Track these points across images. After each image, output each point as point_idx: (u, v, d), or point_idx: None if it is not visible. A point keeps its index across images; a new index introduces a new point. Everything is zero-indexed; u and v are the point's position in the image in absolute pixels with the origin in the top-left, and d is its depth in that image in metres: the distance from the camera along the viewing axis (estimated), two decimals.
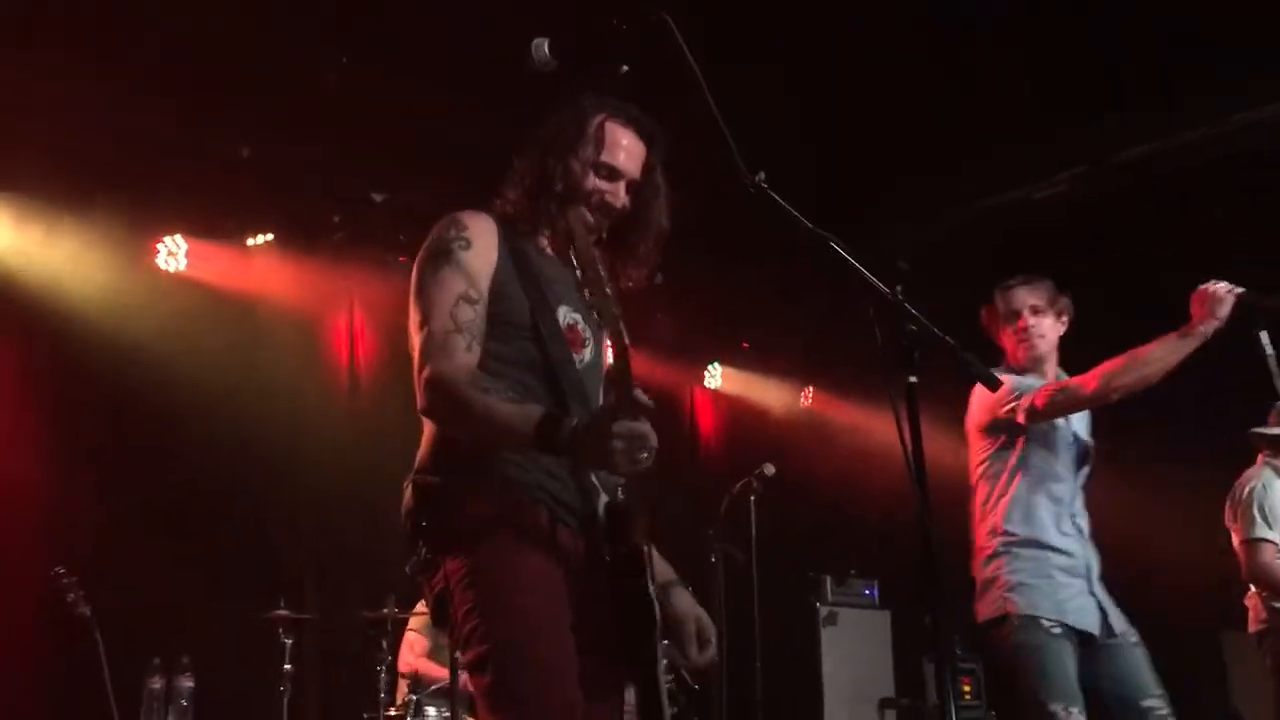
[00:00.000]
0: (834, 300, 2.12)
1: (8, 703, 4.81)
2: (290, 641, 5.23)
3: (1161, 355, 3.46)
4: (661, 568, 2.59)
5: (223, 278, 6.35)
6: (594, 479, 2.45)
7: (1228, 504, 5.01)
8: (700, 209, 2.65)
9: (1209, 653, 7.16)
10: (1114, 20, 5.25)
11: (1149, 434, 6.08)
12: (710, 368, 8.63)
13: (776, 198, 2.13)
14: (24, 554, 5.16)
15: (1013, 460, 3.69)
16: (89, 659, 4.64)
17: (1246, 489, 4.92)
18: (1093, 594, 3.60)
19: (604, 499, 2.46)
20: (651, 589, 2.36)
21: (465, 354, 2.34)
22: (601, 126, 2.50)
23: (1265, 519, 4.82)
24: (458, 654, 4.90)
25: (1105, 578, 3.65)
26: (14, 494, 5.26)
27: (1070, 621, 3.52)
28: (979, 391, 3.74)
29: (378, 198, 6.39)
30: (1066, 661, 3.48)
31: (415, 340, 2.39)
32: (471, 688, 2.38)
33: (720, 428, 8.75)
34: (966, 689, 7.23)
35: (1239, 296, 3.45)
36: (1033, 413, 3.56)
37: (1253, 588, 4.94)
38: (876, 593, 7.68)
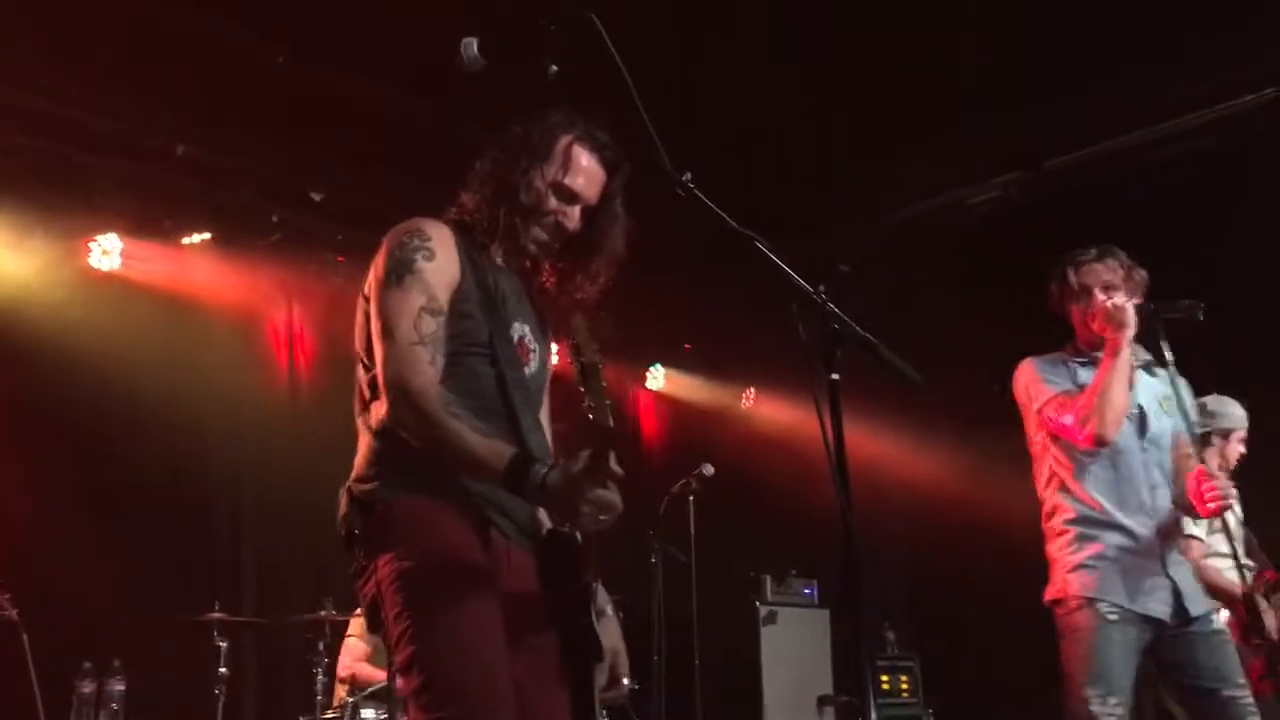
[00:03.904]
0: (773, 302, 2.15)
1: None
2: (225, 644, 5.18)
3: (1114, 382, 3.47)
4: (599, 596, 2.63)
5: (158, 277, 6.27)
6: None
7: None
8: (640, 210, 2.68)
9: None
10: (1050, 24, 5.33)
11: None
12: (652, 369, 8.67)
13: (703, 198, 2.16)
14: None
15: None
16: (16, 662, 4.56)
17: None
18: (1166, 575, 3.47)
19: (547, 521, 2.51)
20: (596, 625, 2.44)
21: (430, 367, 2.36)
22: (569, 148, 2.54)
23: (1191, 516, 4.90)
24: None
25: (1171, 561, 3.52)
26: None
27: (1134, 606, 3.42)
28: (1020, 368, 3.73)
29: (316, 197, 6.35)
30: (1117, 648, 3.39)
31: (378, 348, 2.39)
32: (404, 693, 2.39)
33: (662, 429, 8.78)
34: (905, 685, 7.32)
35: (1139, 306, 3.54)
36: (1049, 427, 3.59)
37: None
38: (816, 592, 7.74)
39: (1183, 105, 5.92)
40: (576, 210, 2.57)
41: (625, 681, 2.61)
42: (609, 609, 2.67)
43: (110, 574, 5.35)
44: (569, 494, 2.19)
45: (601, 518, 2.22)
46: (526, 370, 2.56)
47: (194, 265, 6.36)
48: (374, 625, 2.44)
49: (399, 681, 2.39)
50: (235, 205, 6.33)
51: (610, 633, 2.60)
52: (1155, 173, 6.05)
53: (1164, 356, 3.55)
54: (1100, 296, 3.59)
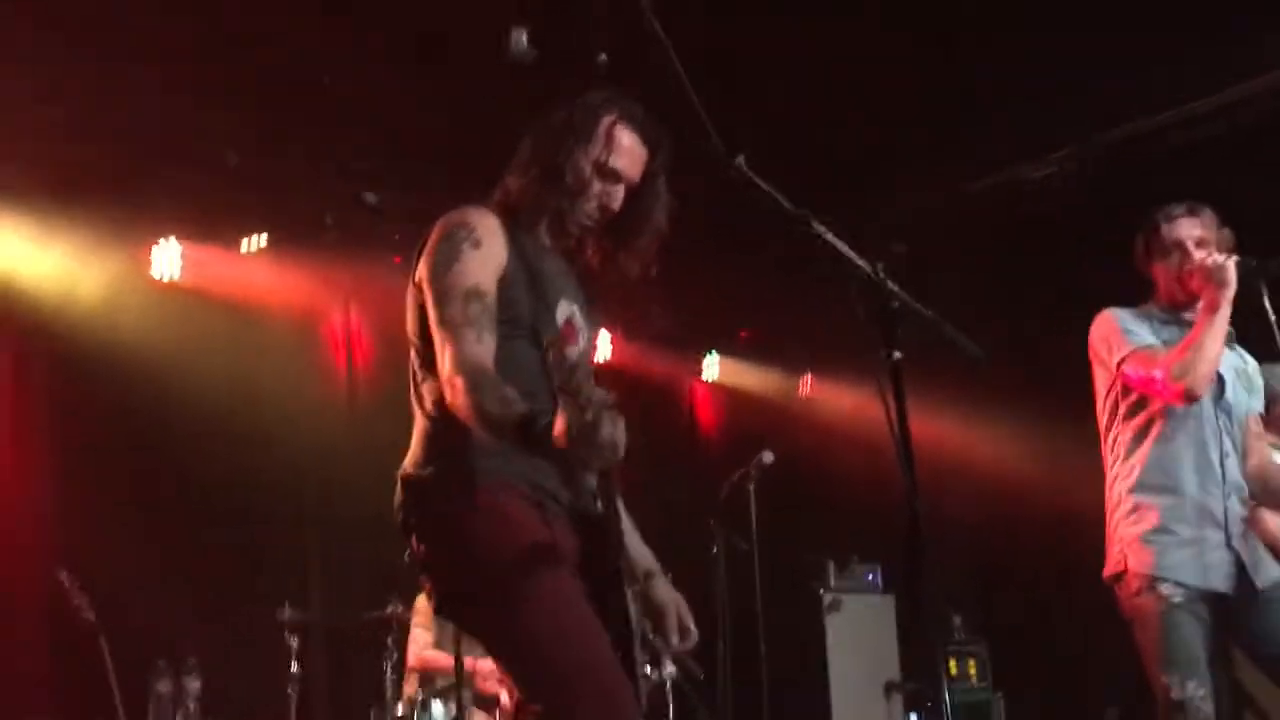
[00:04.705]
0: (830, 285, 2.15)
1: (13, 710, 4.83)
2: (296, 643, 5.25)
3: (1211, 338, 3.34)
4: (643, 557, 2.66)
5: (218, 282, 6.36)
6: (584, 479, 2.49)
7: None
8: (695, 198, 2.68)
9: None
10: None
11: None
12: (708, 358, 8.65)
13: (757, 179, 2.15)
14: (27, 560, 5.18)
15: (1134, 398, 3.49)
16: (94, 663, 4.66)
17: None
18: (1230, 547, 3.37)
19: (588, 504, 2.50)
20: (632, 608, 2.43)
21: (476, 345, 2.38)
22: (611, 128, 2.56)
23: None
24: (461, 650, 4.94)
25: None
26: (15, 500, 5.29)
27: (1196, 581, 3.33)
28: (1100, 318, 3.59)
29: (371, 198, 6.39)
30: (1187, 627, 3.30)
31: (435, 337, 2.42)
32: (509, 679, 2.42)
33: (719, 418, 8.76)
34: (972, 670, 7.25)
35: (1238, 263, 3.39)
36: (1130, 381, 3.46)
37: None
38: (880, 577, 7.69)
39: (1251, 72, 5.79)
40: (620, 190, 2.59)
41: (693, 630, 2.62)
42: (657, 568, 2.67)
43: (182, 576, 5.46)
44: (582, 433, 2.06)
45: (609, 455, 2.10)
46: (574, 349, 2.56)
47: (252, 270, 6.45)
48: (447, 612, 2.49)
49: (497, 670, 2.41)
50: (291, 209, 6.40)
51: (666, 590, 2.64)
52: (1218, 142, 5.93)
53: (1268, 316, 3.42)
54: (1198, 253, 3.45)
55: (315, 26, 5.20)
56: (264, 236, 6.38)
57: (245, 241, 6.41)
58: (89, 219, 5.77)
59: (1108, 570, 3.49)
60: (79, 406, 5.70)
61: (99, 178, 5.70)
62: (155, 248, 6.12)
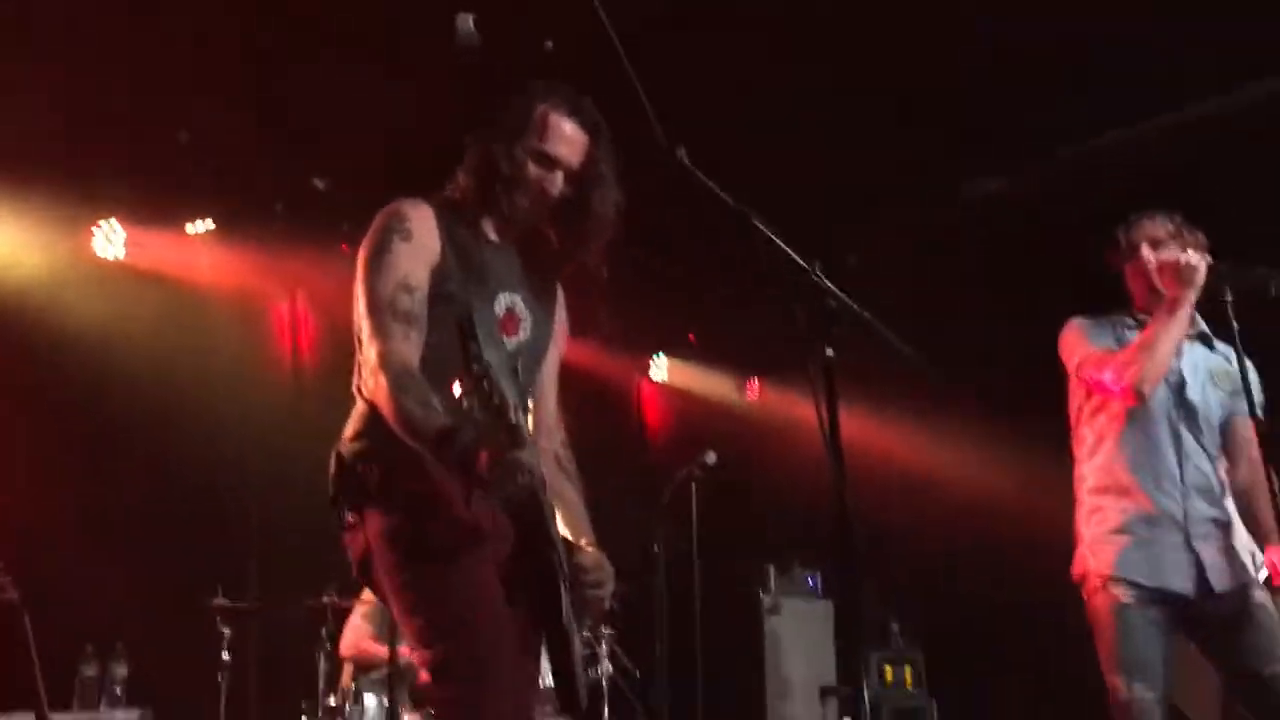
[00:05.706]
0: (770, 285, 2.15)
1: None
2: (229, 630, 5.19)
3: (1163, 337, 3.34)
4: (574, 525, 2.67)
5: (162, 265, 6.29)
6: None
7: None
8: (644, 197, 2.68)
9: None
10: (1054, 15, 5.29)
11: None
12: (655, 359, 8.65)
13: (698, 173, 2.15)
14: None
15: (1095, 402, 3.52)
16: (18, 645, 4.56)
17: None
18: (1190, 548, 3.36)
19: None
20: (565, 602, 2.44)
21: (403, 342, 2.41)
22: (545, 116, 2.58)
23: None
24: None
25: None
26: None
27: (1150, 582, 3.35)
28: (1066, 327, 3.61)
29: (320, 184, 6.34)
30: (1139, 629, 3.32)
31: (361, 328, 2.47)
32: (414, 658, 2.47)
33: (666, 420, 8.77)
34: (908, 677, 7.30)
35: (1212, 267, 3.36)
36: (1085, 384, 3.51)
37: None
38: (820, 583, 7.73)
39: (1193, 91, 5.88)
40: (558, 176, 2.61)
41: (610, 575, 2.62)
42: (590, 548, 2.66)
43: (113, 558, 5.38)
44: (504, 471, 2.12)
45: (518, 480, 2.16)
46: (514, 340, 2.60)
47: (198, 253, 6.39)
48: (362, 575, 2.54)
49: (402, 630, 2.46)
50: (239, 193, 6.33)
51: (589, 555, 2.62)
52: (1164, 163, 6.00)
53: (1230, 325, 3.39)
54: (1148, 251, 3.49)
55: (271, 12, 5.15)
56: (209, 221, 6.31)
57: (191, 225, 6.34)
58: (34, 197, 5.68)
59: (1073, 571, 3.53)
60: (14, 387, 5.60)
61: (43, 157, 5.61)
62: (97, 228, 6.04)
